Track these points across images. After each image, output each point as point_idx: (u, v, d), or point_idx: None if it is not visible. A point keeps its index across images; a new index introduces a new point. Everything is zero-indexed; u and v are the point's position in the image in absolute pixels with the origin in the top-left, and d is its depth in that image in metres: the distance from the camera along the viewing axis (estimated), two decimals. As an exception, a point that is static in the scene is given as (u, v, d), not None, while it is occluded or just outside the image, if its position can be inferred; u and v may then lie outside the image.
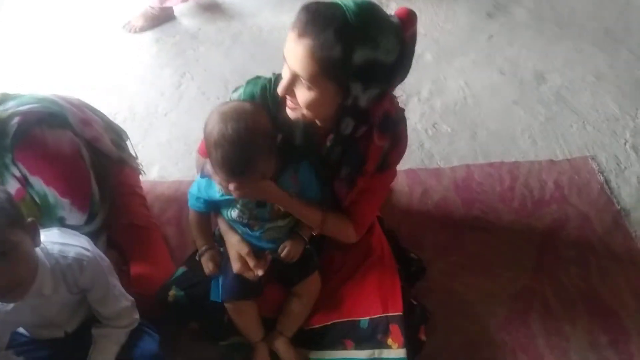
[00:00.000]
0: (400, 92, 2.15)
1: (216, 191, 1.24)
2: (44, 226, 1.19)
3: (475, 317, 1.53)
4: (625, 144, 2.04)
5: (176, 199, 1.83)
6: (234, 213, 1.26)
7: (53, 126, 1.31)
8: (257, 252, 1.28)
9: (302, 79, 1.02)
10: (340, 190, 1.25)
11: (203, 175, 1.26)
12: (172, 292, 1.32)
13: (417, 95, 2.24)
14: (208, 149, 1.11)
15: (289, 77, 1.03)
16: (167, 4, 2.63)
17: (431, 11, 2.74)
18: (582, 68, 2.39)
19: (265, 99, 1.20)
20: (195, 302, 1.32)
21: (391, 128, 1.18)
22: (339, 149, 1.20)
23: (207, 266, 1.32)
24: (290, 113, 1.12)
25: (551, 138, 2.06)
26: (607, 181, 1.89)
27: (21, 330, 1.27)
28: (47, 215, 1.32)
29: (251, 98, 1.21)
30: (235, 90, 1.26)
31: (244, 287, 1.29)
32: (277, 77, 1.18)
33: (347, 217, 1.30)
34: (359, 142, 1.18)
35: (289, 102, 1.10)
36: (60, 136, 1.33)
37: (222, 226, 1.33)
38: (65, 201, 1.32)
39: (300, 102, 1.06)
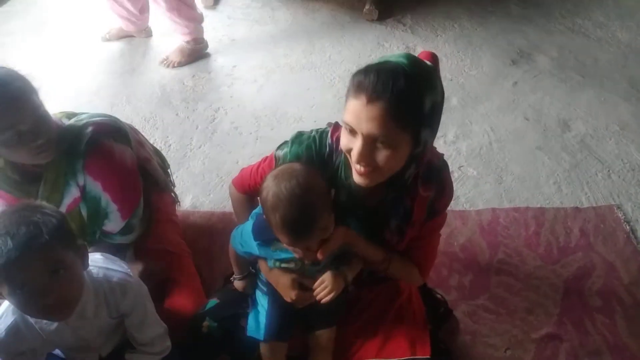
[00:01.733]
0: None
1: (267, 253, 1.26)
2: (88, 236, 1.26)
3: (501, 361, 1.53)
4: (650, 194, 2.06)
5: (208, 229, 1.88)
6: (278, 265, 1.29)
7: (118, 140, 1.41)
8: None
9: (378, 141, 1.01)
10: (391, 239, 1.26)
11: (259, 241, 1.25)
12: (206, 323, 1.34)
13: (444, 138, 2.30)
14: (267, 216, 1.12)
15: (365, 142, 1.01)
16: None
17: (457, 57, 2.83)
18: (606, 117, 2.43)
19: (311, 159, 1.21)
20: (227, 335, 1.35)
21: (435, 177, 1.20)
22: (392, 200, 1.21)
23: (242, 290, 1.39)
24: (359, 179, 1.09)
25: (576, 185, 2.09)
26: (633, 231, 1.90)
27: (57, 352, 1.30)
28: (93, 224, 1.41)
29: (297, 159, 1.22)
30: (280, 147, 1.28)
31: (284, 328, 1.33)
32: (322, 135, 1.22)
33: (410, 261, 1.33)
34: (406, 195, 1.19)
35: (359, 169, 1.06)
36: (124, 150, 1.42)
37: (264, 266, 1.33)
38: (114, 206, 1.41)
39: (379, 163, 1.04)
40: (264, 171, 1.30)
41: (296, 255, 1.20)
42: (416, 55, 1.08)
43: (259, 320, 1.34)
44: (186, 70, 2.76)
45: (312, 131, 1.26)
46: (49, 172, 1.33)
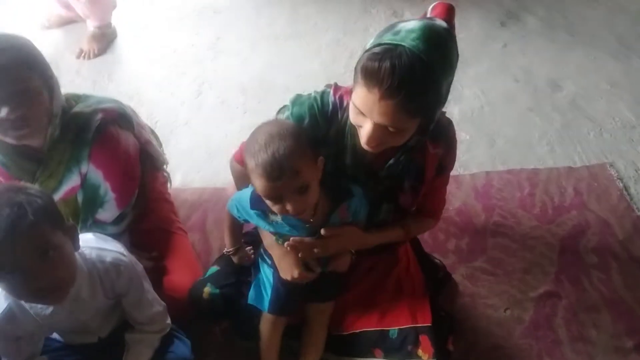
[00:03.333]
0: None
1: (264, 224, 1.25)
2: (80, 223, 1.23)
3: (501, 321, 1.54)
4: (642, 151, 2.06)
5: (200, 205, 1.85)
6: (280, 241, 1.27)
7: (123, 127, 1.38)
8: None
9: (389, 127, 1.00)
10: (406, 202, 1.26)
11: (255, 209, 1.24)
12: (207, 289, 1.33)
13: (434, 103, 2.27)
14: (247, 167, 1.11)
15: (375, 128, 1.01)
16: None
17: (444, 20, 2.77)
18: (596, 76, 2.41)
19: (315, 119, 1.19)
20: (229, 302, 1.34)
21: (443, 135, 1.20)
22: (401, 165, 1.20)
23: (238, 262, 1.39)
24: (367, 148, 1.08)
25: (568, 145, 2.08)
26: (626, 187, 1.91)
27: (55, 336, 1.28)
28: (87, 211, 1.38)
29: (300, 120, 1.19)
30: (280, 111, 1.25)
31: (289, 304, 1.33)
32: (323, 95, 1.19)
33: (421, 214, 1.35)
34: (416, 155, 1.19)
35: (369, 146, 1.06)
36: (128, 137, 1.39)
37: (267, 240, 1.32)
38: (112, 195, 1.38)
39: (392, 143, 1.06)
40: None
41: (277, 215, 1.18)
42: (430, 11, 1.03)
43: (262, 291, 1.33)
44: (168, 45, 2.67)
45: (310, 93, 1.23)
46: (51, 159, 1.28)
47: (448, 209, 1.84)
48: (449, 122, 1.23)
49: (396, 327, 1.33)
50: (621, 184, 1.91)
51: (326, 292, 1.37)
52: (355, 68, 1.01)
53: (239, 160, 1.33)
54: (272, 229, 1.25)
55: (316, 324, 1.37)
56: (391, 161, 1.19)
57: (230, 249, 1.39)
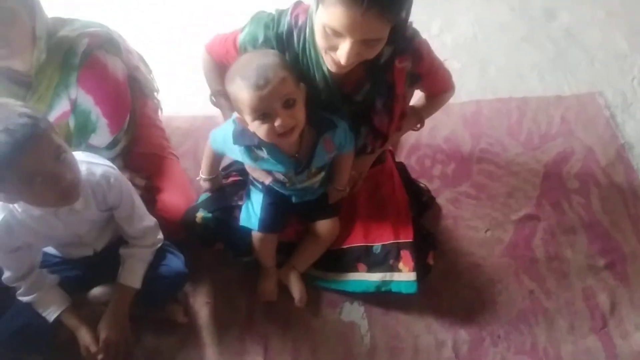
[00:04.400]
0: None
1: (249, 160, 1.27)
2: (72, 147, 1.25)
3: (481, 242, 1.61)
4: (632, 80, 2.05)
5: (192, 133, 1.87)
6: (267, 180, 1.31)
7: (110, 52, 1.38)
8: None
9: (367, 41, 1.00)
10: (381, 124, 1.27)
11: (242, 146, 1.25)
12: (200, 214, 1.38)
13: (428, 31, 2.23)
14: (230, 91, 1.12)
15: (355, 46, 0.99)
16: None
17: (442, -54, 2.67)
18: (592, 4, 2.36)
19: (269, 40, 1.17)
20: (221, 224, 1.39)
21: (408, 47, 1.17)
22: (371, 83, 1.20)
23: (205, 187, 1.46)
24: (335, 69, 1.09)
25: (559, 74, 2.08)
26: (612, 116, 1.92)
27: (53, 251, 1.34)
28: (79, 136, 1.39)
29: (254, 40, 1.19)
30: (242, 29, 1.24)
31: (277, 222, 1.39)
32: (281, 15, 1.17)
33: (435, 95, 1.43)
34: (385, 71, 1.19)
35: (340, 63, 1.05)
36: (115, 62, 1.40)
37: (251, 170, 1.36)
38: (104, 120, 1.39)
39: (367, 56, 1.05)
40: (230, 46, 1.26)
41: (262, 149, 1.20)
42: None
43: (251, 211, 1.38)
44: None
45: (272, 11, 1.20)
46: (39, 83, 1.28)
47: (436, 137, 1.87)
48: (415, 33, 1.19)
49: (379, 243, 1.40)
50: (608, 112, 1.93)
51: (324, 210, 1.42)
52: None
53: (210, 50, 1.34)
54: (256, 165, 1.27)
55: (318, 239, 1.44)
56: (367, 86, 1.20)
57: (206, 177, 1.43)
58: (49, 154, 1.01)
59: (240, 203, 1.44)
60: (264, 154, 1.22)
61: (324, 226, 1.42)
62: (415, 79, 1.25)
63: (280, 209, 1.39)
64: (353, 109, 1.24)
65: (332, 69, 1.09)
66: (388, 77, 1.19)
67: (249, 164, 1.31)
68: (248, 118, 1.12)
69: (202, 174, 1.44)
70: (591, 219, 1.66)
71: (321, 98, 1.21)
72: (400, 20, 1.04)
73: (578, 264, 1.56)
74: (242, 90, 1.08)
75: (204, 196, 1.46)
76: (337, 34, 0.99)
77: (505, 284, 1.52)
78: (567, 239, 1.61)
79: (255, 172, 1.33)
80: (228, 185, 1.49)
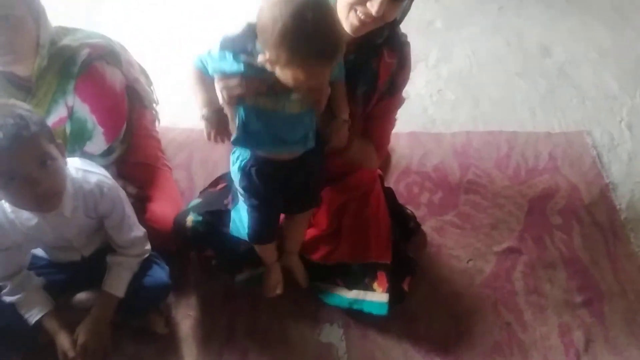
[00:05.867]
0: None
1: (234, 64, 1.07)
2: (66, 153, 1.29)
3: (463, 271, 1.64)
4: (620, 122, 2.11)
5: (187, 145, 1.91)
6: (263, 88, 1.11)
7: (110, 63, 1.42)
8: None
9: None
10: (356, 110, 1.30)
11: (226, 50, 1.07)
12: (190, 217, 1.41)
13: (425, 61, 2.29)
14: (279, 45, 0.96)
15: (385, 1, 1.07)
16: None
17: (444, -22, 2.75)
18: (586, 43, 2.43)
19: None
20: (212, 229, 1.42)
21: (398, 46, 1.27)
22: (358, 62, 1.25)
23: (210, 126, 1.17)
24: (354, 29, 1.13)
25: (550, 111, 2.13)
26: (599, 155, 1.97)
27: (41, 253, 1.37)
28: (75, 142, 1.43)
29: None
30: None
31: (268, 232, 1.38)
32: None
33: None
34: (372, 61, 1.26)
35: (363, 19, 1.11)
36: (114, 73, 1.44)
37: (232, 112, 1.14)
38: (100, 129, 1.43)
39: (387, 18, 1.12)
40: None
41: (249, 55, 1.06)
42: None
43: (238, 223, 1.40)
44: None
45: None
46: (39, 89, 1.32)
47: (425, 165, 1.91)
48: (407, 43, 1.30)
49: (359, 263, 1.44)
50: (595, 152, 1.97)
51: (301, 204, 1.39)
52: None
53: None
54: (241, 69, 1.08)
55: (294, 224, 1.44)
56: (352, 56, 1.24)
57: (210, 108, 1.16)
58: (32, 157, 1.03)
59: (229, 207, 1.45)
60: (251, 59, 1.07)
61: (300, 215, 1.42)
62: (393, 89, 1.32)
63: (268, 217, 1.38)
64: None
65: (352, 29, 1.14)
66: (375, 65, 1.26)
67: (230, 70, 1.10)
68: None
69: (204, 107, 1.16)
70: (571, 255, 1.69)
71: None
72: None
73: (556, 299, 1.59)
74: (306, 55, 0.97)
75: (195, 201, 1.48)
76: None
77: (483, 314, 1.55)
78: (546, 273, 1.64)
79: (253, 82, 1.09)
80: (217, 192, 1.52)
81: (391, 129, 1.46)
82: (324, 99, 1.14)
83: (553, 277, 1.64)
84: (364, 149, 1.39)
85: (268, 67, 1.03)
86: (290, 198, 1.33)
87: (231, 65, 1.07)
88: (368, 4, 1.09)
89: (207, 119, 1.16)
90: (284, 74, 1.02)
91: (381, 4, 1.08)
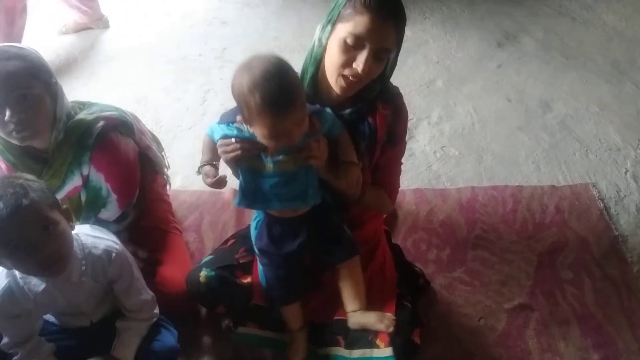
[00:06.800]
0: (411, 115, 2.27)
1: (230, 130, 1.21)
2: (81, 220, 1.36)
3: (474, 330, 1.61)
4: (625, 173, 2.12)
5: (197, 207, 1.96)
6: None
7: (124, 133, 1.49)
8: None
9: (380, 52, 1.18)
10: (361, 162, 1.34)
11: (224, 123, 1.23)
12: (204, 273, 1.42)
13: (427, 119, 2.36)
14: (243, 104, 1.12)
15: (371, 54, 1.17)
16: None
17: (444, 39, 2.88)
18: (587, 98, 2.49)
19: None
20: (224, 283, 1.42)
21: (391, 98, 1.35)
22: (356, 117, 1.32)
23: (207, 175, 1.28)
24: (342, 90, 1.23)
25: (554, 164, 2.16)
26: (606, 208, 1.97)
27: (52, 319, 1.39)
28: (89, 209, 1.48)
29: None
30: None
31: (286, 294, 1.41)
32: None
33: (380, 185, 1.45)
34: (369, 115, 1.33)
35: (350, 81, 1.21)
36: (128, 143, 1.51)
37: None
38: (113, 196, 1.49)
39: (372, 74, 1.22)
40: None
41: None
42: None
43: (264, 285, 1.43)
44: (177, 53, 2.80)
45: None
46: (55, 160, 1.38)
47: (432, 221, 1.92)
48: (399, 93, 1.38)
49: None
50: (602, 204, 1.98)
51: (337, 255, 1.39)
52: (346, 4, 1.17)
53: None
54: (234, 133, 1.22)
55: (344, 282, 1.41)
56: (348, 110, 1.31)
57: (205, 164, 1.30)
58: (33, 224, 1.07)
59: (241, 261, 1.48)
60: (243, 126, 1.20)
61: (350, 266, 1.40)
62: (393, 139, 1.37)
63: (283, 277, 1.40)
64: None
65: (341, 89, 1.24)
66: (371, 119, 1.32)
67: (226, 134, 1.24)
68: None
69: (202, 162, 1.32)
70: (584, 311, 1.66)
71: None
72: (399, 39, 1.22)
73: (571, 358, 1.55)
74: (261, 110, 1.09)
75: (207, 258, 1.51)
76: (357, 43, 1.17)
77: (497, 375, 1.51)
78: (560, 330, 1.61)
79: (244, 144, 1.22)
80: (227, 248, 1.55)
81: (399, 175, 1.51)
82: (321, 155, 1.22)
83: (567, 334, 1.60)
84: (377, 193, 1.45)
85: (245, 127, 1.18)
86: (321, 251, 1.39)
87: (227, 130, 1.23)
88: (354, 64, 1.19)
89: (203, 172, 1.31)
90: (255, 131, 1.15)
91: (366, 62, 1.17)
